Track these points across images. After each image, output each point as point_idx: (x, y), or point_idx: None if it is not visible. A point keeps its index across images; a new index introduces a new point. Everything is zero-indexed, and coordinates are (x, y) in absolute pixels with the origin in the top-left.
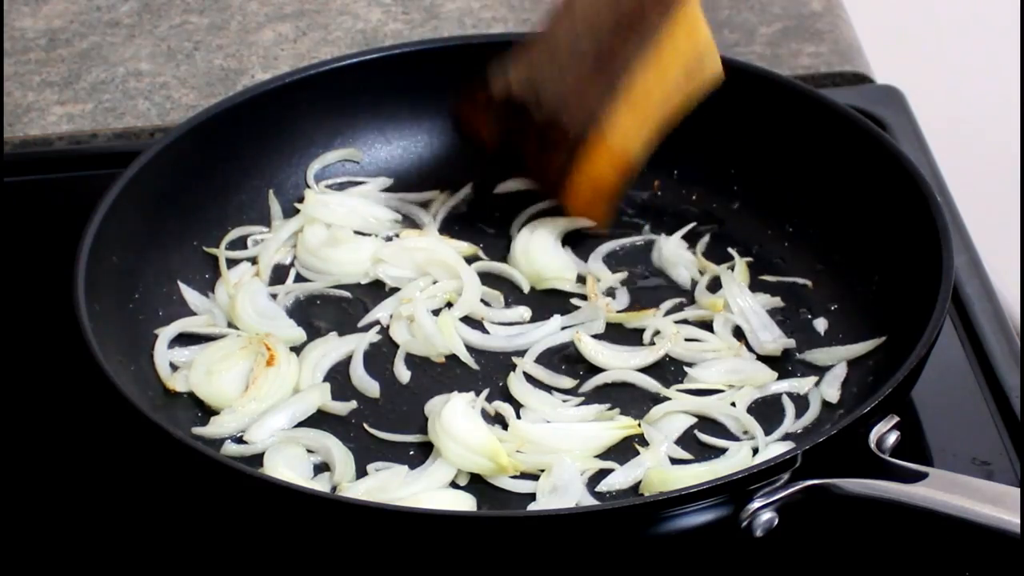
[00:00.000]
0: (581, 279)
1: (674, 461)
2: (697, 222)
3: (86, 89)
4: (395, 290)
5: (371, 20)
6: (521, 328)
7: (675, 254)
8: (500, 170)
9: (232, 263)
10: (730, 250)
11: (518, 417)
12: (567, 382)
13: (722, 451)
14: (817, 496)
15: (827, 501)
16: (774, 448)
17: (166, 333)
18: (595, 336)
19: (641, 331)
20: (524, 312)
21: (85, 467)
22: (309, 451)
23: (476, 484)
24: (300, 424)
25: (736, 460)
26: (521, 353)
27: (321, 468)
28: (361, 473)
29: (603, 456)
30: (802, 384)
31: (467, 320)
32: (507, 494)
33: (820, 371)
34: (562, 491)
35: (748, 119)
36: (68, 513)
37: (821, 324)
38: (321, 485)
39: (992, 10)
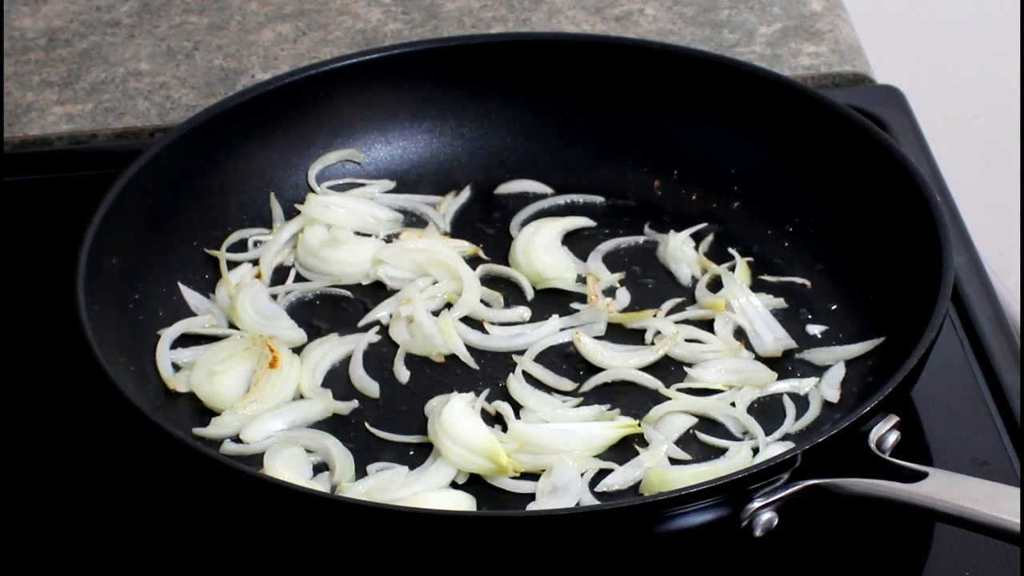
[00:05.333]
0: (581, 279)
1: (674, 461)
2: (698, 222)
3: (86, 89)
4: (396, 290)
5: (371, 20)
6: (521, 328)
7: (679, 250)
8: (500, 170)
9: (233, 264)
10: (730, 250)
11: (517, 417)
12: (567, 384)
13: (722, 451)
14: (817, 496)
15: (827, 501)
16: (774, 448)
17: (169, 333)
18: (596, 337)
19: (641, 331)
20: (524, 312)
21: (85, 467)
22: (308, 451)
23: (476, 484)
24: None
25: (736, 460)
26: (521, 353)
27: (321, 468)
28: (361, 473)
29: (603, 456)
30: (802, 384)
31: (467, 321)
32: (507, 494)
33: (820, 371)
34: (562, 491)
35: (748, 119)
36: (68, 513)
37: (821, 324)
38: (321, 485)
39: (992, 10)
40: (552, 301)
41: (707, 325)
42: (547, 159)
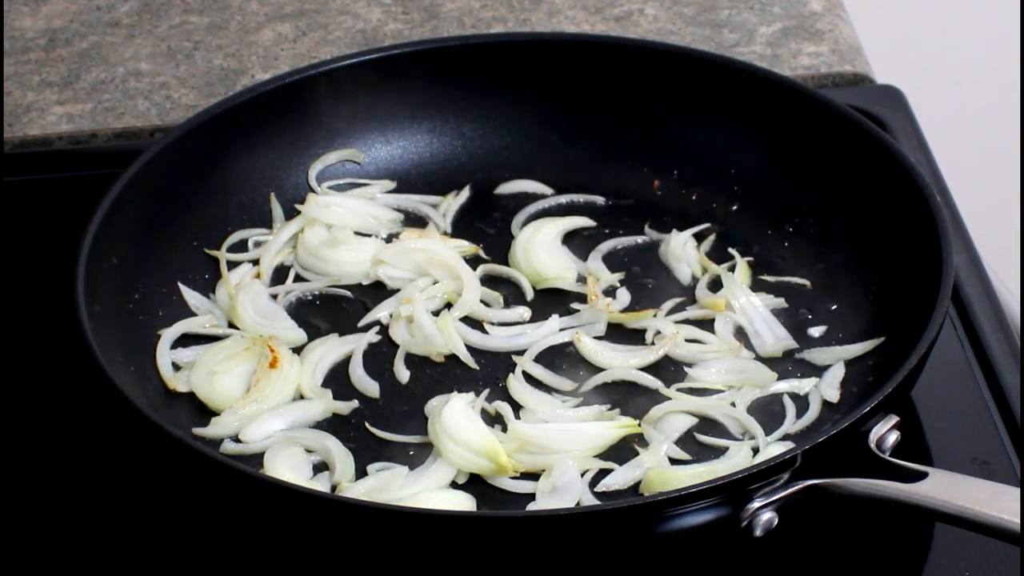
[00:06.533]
0: (581, 279)
1: (674, 461)
2: (698, 222)
3: (86, 89)
4: (396, 290)
5: (371, 20)
6: (521, 328)
7: (681, 249)
8: (500, 170)
9: (233, 265)
10: (730, 250)
11: (517, 417)
12: (567, 384)
13: (722, 451)
14: (817, 496)
15: (827, 501)
16: (774, 448)
17: (169, 333)
18: (596, 337)
19: (642, 331)
20: (524, 312)
21: (85, 467)
22: (308, 451)
23: (476, 484)
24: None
25: (736, 460)
26: (521, 353)
27: (321, 468)
28: (361, 473)
29: (603, 456)
30: (802, 384)
31: (467, 321)
32: (507, 494)
33: (820, 371)
34: (562, 491)
35: (748, 119)
36: (68, 513)
37: (820, 324)
38: (321, 485)
39: (992, 10)
40: (552, 301)
41: (707, 325)
42: (547, 159)
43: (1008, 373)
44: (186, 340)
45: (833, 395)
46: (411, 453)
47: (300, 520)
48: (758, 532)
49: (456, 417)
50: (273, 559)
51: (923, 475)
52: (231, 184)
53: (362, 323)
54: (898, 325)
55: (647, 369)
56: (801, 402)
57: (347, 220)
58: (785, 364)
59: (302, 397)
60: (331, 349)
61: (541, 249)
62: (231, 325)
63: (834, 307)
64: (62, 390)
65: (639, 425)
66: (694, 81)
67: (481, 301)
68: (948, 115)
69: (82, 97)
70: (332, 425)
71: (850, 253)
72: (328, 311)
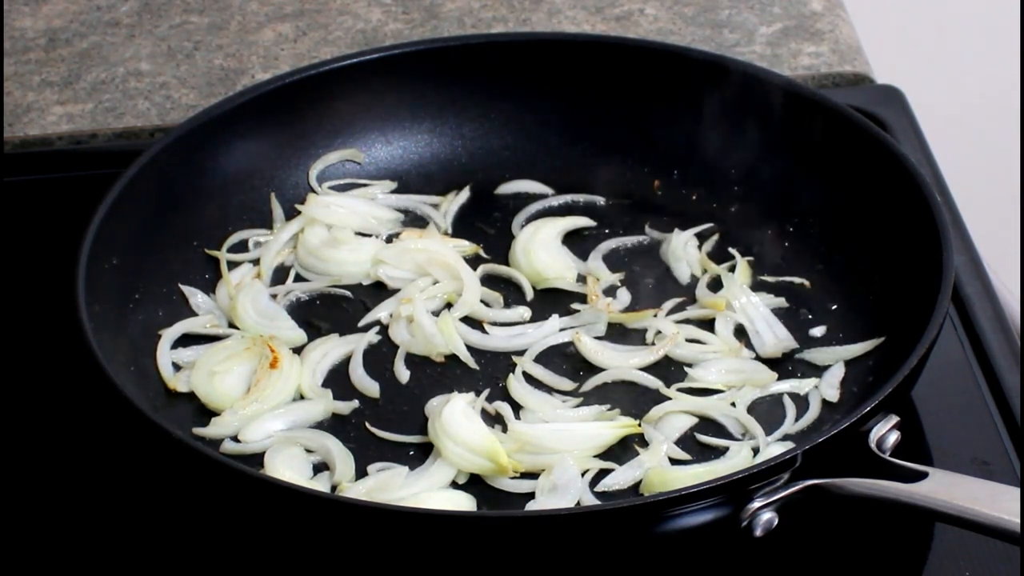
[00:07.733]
0: (582, 278)
1: (674, 461)
2: (698, 222)
3: (86, 89)
4: (396, 290)
5: (371, 20)
6: (521, 328)
7: (681, 249)
8: (500, 170)
9: (233, 265)
10: (730, 250)
11: (517, 417)
12: (567, 384)
13: (722, 451)
14: (817, 496)
15: (827, 501)
16: (774, 448)
17: (170, 333)
18: (596, 337)
19: (642, 331)
20: (524, 312)
21: (85, 467)
22: (308, 451)
23: (476, 484)
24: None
25: (736, 460)
26: (521, 353)
27: (321, 468)
28: (361, 473)
29: (603, 456)
30: (802, 384)
31: (467, 321)
32: (507, 494)
33: (820, 371)
34: (562, 490)
35: (748, 119)
36: (68, 513)
37: (821, 324)
38: (321, 485)
39: (992, 10)
40: (552, 301)
41: (708, 325)
42: (547, 159)
43: (1008, 373)
44: (186, 340)
45: (833, 395)
46: (411, 453)
47: (300, 520)
48: (758, 532)
49: (456, 417)
50: (273, 559)
51: (923, 475)
52: (231, 184)
53: (362, 323)
54: (898, 325)
55: (647, 369)
56: (801, 402)
57: (347, 220)
58: (785, 364)
59: (302, 397)
60: (331, 349)
61: (541, 249)
62: (231, 325)
63: (834, 307)
64: (62, 390)
65: (639, 425)
66: (694, 81)
67: (481, 301)
68: (948, 115)
69: (82, 97)
70: (332, 425)
71: (850, 253)
72: (328, 311)
